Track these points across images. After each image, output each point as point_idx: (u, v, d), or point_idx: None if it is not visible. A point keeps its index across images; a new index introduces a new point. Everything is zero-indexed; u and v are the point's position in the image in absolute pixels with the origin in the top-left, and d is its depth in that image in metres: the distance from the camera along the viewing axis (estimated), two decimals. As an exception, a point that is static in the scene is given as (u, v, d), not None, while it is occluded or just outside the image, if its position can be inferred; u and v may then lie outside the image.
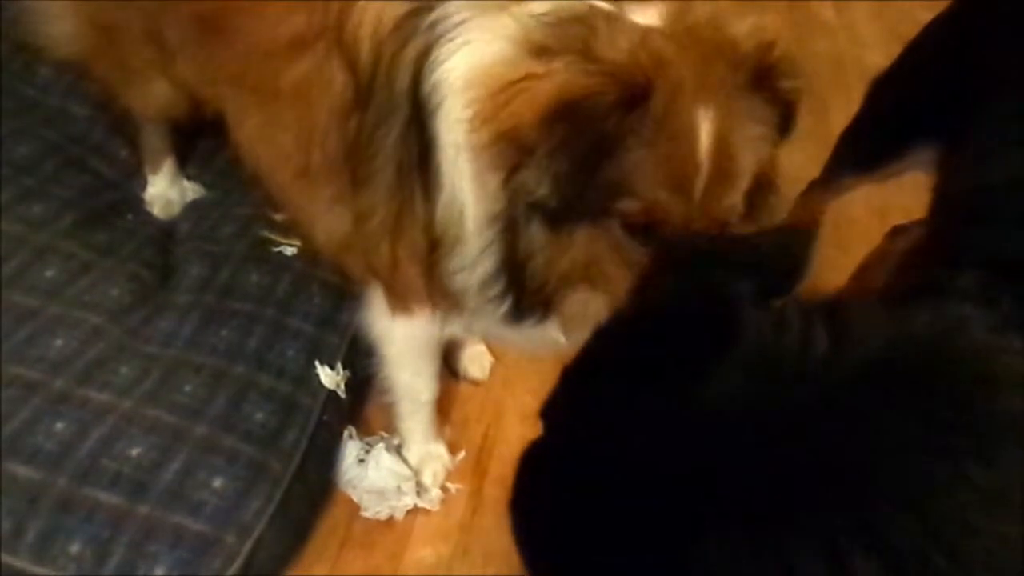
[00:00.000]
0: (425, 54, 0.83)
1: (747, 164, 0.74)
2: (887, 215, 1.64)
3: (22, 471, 0.99)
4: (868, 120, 1.32)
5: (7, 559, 0.94)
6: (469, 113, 0.77)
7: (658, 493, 0.50)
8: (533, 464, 0.60)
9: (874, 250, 1.49)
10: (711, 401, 0.50)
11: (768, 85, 0.76)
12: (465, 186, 0.83)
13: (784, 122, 0.79)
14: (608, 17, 0.77)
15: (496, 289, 0.84)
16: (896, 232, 1.48)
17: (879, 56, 2.14)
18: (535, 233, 0.78)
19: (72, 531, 0.96)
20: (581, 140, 0.70)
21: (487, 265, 0.84)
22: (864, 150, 1.34)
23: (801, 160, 1.87)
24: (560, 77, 0.72)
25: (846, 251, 1.62)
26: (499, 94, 0.74)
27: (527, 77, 0.73)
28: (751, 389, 0.50)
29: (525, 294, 0.83)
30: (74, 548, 0.95)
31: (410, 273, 0.97)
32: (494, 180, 0.78)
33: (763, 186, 0.79)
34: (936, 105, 1.14)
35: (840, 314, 0.53)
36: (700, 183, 0.72)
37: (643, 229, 0.74)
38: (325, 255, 1.15)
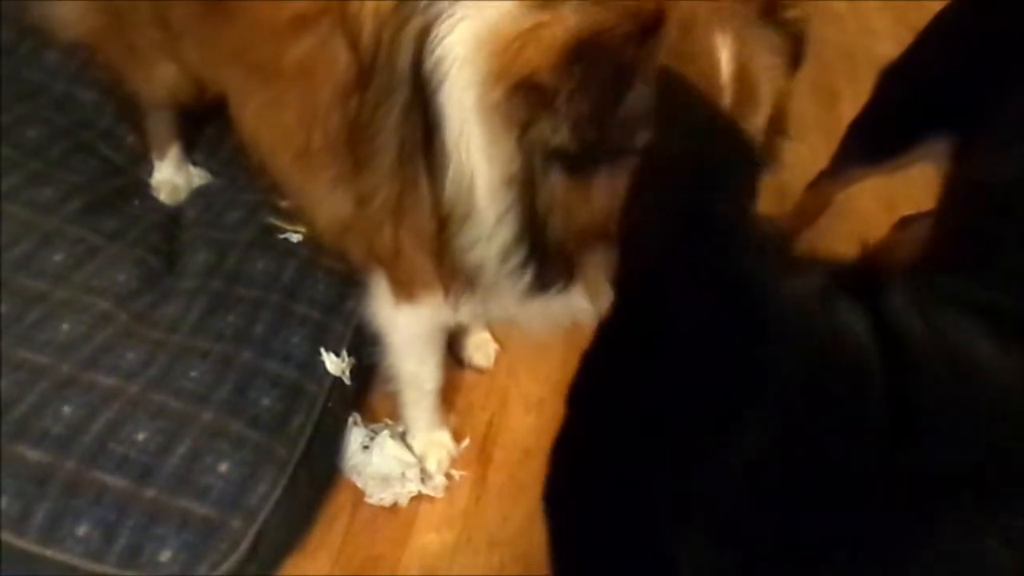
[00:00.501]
0: (425, 32, 0.82)
1: (767, 91, 0.74)
2: (895, 206, 1.64)
3: (30, 454, 1.00)
4: (878, 111, 1.31)
5: (16, 541, 0.95)
6: (480, 72, 0.76)
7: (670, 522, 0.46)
8: (559, 457, 0.56)
9: (881, 242, 1.49)
10: (736, 450, 0.43)
11: (775, 17, 0.75)
12: (475, 155, 0.81)
13: (794, 57, 0.78)
14: None
15: (517, 258, 0.83)
16: (904, 224, 1.47)
17: (890, 46, 2.12)
18: (554, 186, 0.76)
19: (79, 514, 0.97)
20: (600, 77, 0.69)
21: (506, 233, 0.83)
22: (873, 142, 1.33)
23: (809, 150, 1.86)
24: (570, 19, 0.71)
25: (853, 244, 1.61)
26: (510, 47, 0.73)
27: (536, 26, 0.72)
28: (788, 431, 0.43)
29: (547, 257, 0.81)
30: (81, 530, 0.96)
31: (414, 258, 0.96)
32: (508, 139, 0.77)
33: (773, 126, 0.78)
34: (948, 95, 1.13)
35: (890, 316, 0.45)
36: (724, 102, 0.71)
37: None
38: (326, 239, 1.14)
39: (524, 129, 0.75)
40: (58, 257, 1.22)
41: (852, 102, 1.47)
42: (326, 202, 1.03)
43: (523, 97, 0.73)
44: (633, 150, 0.71)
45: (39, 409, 1.03)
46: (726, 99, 0.71)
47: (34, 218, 1.26)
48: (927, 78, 1.20)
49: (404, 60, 0.84)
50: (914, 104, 1.22)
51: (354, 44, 0.89)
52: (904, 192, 1.64)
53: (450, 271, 0.93)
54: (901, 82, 1.26)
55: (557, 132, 0.72)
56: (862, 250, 0.54)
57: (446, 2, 0.81)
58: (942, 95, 1.15)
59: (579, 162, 0.74)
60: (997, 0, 1.10)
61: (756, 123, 0.74)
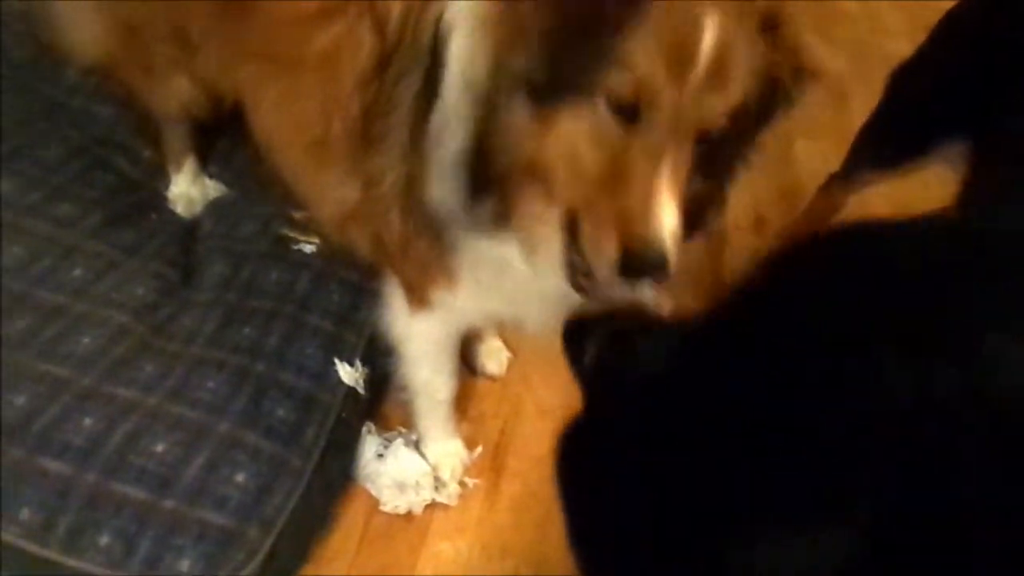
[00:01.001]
0: (443, 9, 0.84)
1: (740, 80, 0.75)
2: (908, 209, 1.62)
3: (53, 465, 1.02)
4: (890, 114, 1.30)
5: (39, 551, 0.97)
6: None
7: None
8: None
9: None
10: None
11: (773, 34, 0.76)
12: (455, 70, 0.82)
13: (783, 83, 0.79)
14: None
15: (459, 171, 0.83)
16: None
17: (903, 45, 2.10)
18: (516, 111, 0.77)
19: (101, 524, 0.99)
20: (581, 16, 0.71)
21: (457, 143, 0.83)
22: (886, 146, 1.32)
23: (820, 151, 1.86)
24: None
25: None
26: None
27: None
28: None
29: (486, 184, 0.81)
30: (103, 541, 0.98)
31: (421, 247, 0.97)
32: (486, 56, 0.78)
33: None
34: (961, 98, 1.12)
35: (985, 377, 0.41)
36: (696, 71, 0.72)
37: (629, 110, 0.74)
38: (332, 231, 1.15)
39: (503, 54, 0.76)
40: (78, 271, 1.25)
41: (864, 102, 1.46)
42: (337, 191, 1.04)
43: (507, 17, 0.75)
44: (602, 89, 0.73)
45: (60, 422, 1.05)
46: (698, 65, 0.71)
47: (55, 233, 1.28)
48: (938, 81, 1.18)
49: (426, 35, 0.86)
50: (926, 108, 1.21)
51: (381, 28, 0.91)
52: (919, 194, 1.62)
53: (426, 228, 0.93)
54: (912, 85, 1.24)
55: (531, 62, 0.74)
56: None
57: None
58: (954, 98, 1.13)
59: (546, 92, 0.75)
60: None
61: (720, 104, 0.74)
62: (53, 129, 1.45)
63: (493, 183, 0.81)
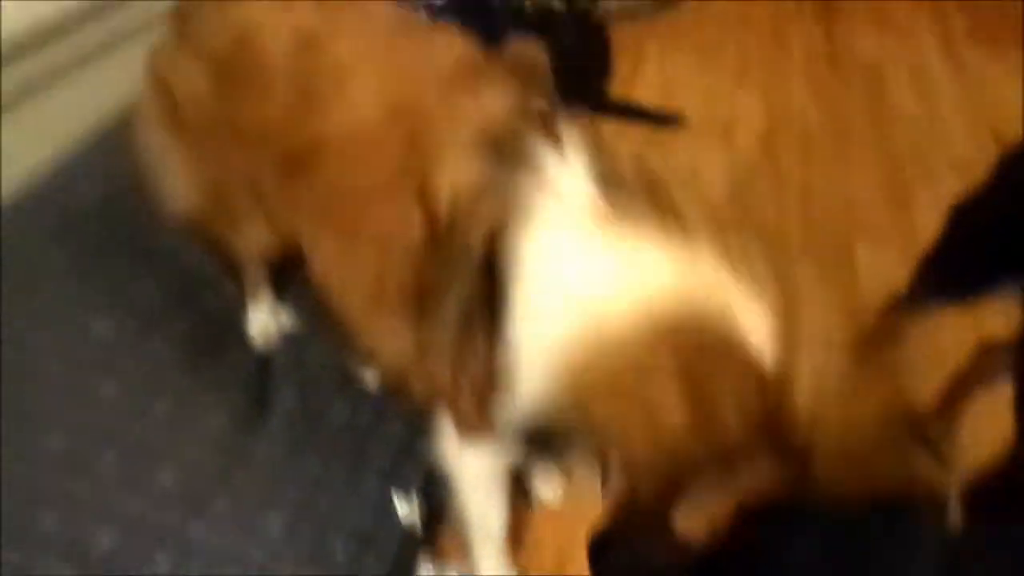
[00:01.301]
0: (500, 219, 0.90)
1: None
2: (982, 319, 1.55)
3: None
4: (951, 249, 1.27)
5: None
6: (579, 369, 0.84)
7: None
8: None
9: (964, 366, 1.41)
10: None
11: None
12: (530, 360, 0.89)
13: None
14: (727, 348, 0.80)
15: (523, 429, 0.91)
16: (987, 351, 1.39)
17: (967, 148, 2.06)
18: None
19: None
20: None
21: (526, 411, 0.90)
22: (948, 279, 1.29)
23: (883, 259, 1.81)
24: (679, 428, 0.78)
25: (935, 362, 1.53)
26: (626, 407, 0.82)
27: (645, 408, 0.80)
28: None
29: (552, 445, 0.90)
30: None
31: (470, 398, 1.02)
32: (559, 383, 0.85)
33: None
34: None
35: None
36: None
37: None
38: (390, 376, 1.22)
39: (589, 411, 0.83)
40: (163, 406, 1.36)
41: (929, 206, 1.42)
42: (392, 342, 1.11)
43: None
44: None
45: (138, 561, 1.13)
46: None
47: (145, 370, 1.41)
48: (997, 225, 1.16)
49: (476, 239, 0.92)
50: (986, 248, 1.18)
51: (430, 216, 0.98)
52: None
53: (486, 418, 0.99)
54: (971, 225, 1.22)
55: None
56: None
57: (523, 197, 0.90)
58: (1014, 242, 1.11)
59: None
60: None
61: None
62: (145, 269, 1.61)
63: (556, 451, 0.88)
